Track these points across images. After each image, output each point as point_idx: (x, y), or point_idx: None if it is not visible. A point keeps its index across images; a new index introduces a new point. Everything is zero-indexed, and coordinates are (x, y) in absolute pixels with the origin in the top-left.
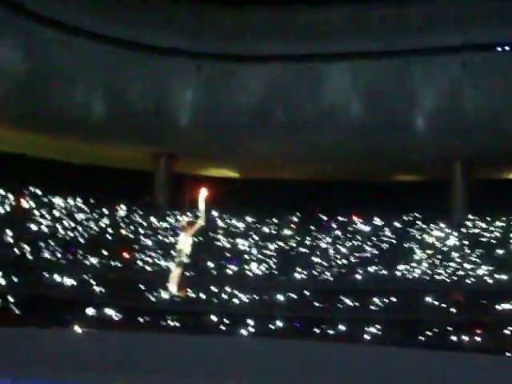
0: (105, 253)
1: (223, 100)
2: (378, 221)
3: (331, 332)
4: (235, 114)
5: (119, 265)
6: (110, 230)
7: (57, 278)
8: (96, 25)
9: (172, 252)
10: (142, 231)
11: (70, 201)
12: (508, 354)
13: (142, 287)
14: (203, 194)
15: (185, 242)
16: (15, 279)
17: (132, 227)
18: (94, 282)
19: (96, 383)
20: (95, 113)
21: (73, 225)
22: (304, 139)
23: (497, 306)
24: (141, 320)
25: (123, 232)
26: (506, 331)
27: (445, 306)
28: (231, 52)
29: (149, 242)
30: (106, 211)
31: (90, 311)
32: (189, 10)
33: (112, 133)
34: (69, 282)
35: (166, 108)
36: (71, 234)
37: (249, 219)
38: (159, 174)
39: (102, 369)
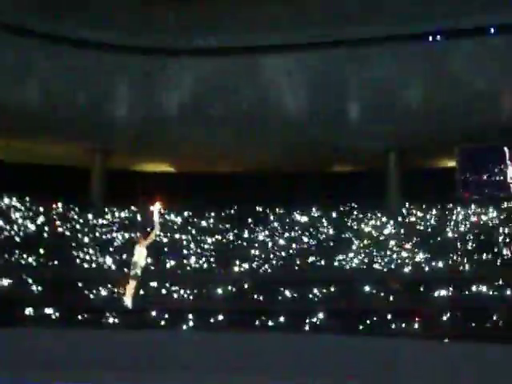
0: (41, 251)
1: (157, 94)
2: (315, 212)
3: (271, 324)
4: (170, 109)
5: (56, 263)
6: (46, 228)
7: None
8: (26, 21)
9: (110, 249)
10: (78, 228)
11: (5, 200)
12: (446, 340)
13: (80, 285)
14: (157, 206)
15: (139, 255)
16: None
17: (68, 225)
18: (31, 281)
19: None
20: (27, 109)
21: (8, 224)
22: (239, 132)
23: (434, 293)
24: (80, 318)
25: (60, 230)
26: (444, 318)
27: (383, 294)
28: (164, 46)
29: (86, 240)
30: (41, 209)
31: (28, 311)
32: (121, 3)
33: (45, 129)
34: (5, 282)
35: (99, 103)
36: (6, 234)
37: (186, 213)
38: (94, 170)
39: (48, 367)
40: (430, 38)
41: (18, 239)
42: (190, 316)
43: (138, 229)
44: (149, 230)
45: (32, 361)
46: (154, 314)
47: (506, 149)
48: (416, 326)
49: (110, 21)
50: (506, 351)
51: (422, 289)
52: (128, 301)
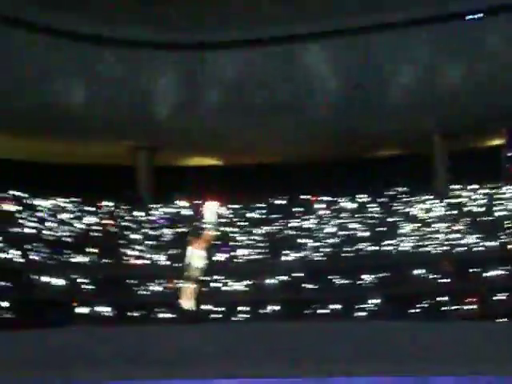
0: (92, 250)
1: (199, 88)
2: (362, 198)
3: (323, 312)
4: (212, 102)
5: (107, 261)
6: (95, 227)
7: (45, 279)
8: (68, 23)
9: (158, 244)
10: (127, 226)
11: (53, 201)
12: (499, 320)
13: (132, 282)
14: (212, 205)
15: (193, 256)
16: (4, 284)
17: (117, 222)
18: (83, 281)
19: (106, 380)
20: (72, 111)
21: (57, 225)
22: (282, 122)
23: (486, 274)
24: (132, 314)
25: (109, 228)
26: (496, 298)
27: (435, 276)
28: (201, 40)
29: (135, 236)
30: (89, 209)
31: (82, 310)
32: (156, 1)
33: (90, 129)
34: (58, 282)
35: (143, 100)
36: (57, 235)
37: (234, 206)
38: (140, 167)
39: (109, 365)
40: (468, 17)
41: (68, 239)
42: (243, 308)
43: (192, 231)
44: (204, 230)
45: (84, 360)
46: (207, 307)
47: None
48: (470, 307)
49: (149, 19)
50: None
51: (474, 269)
52: (184, 304)
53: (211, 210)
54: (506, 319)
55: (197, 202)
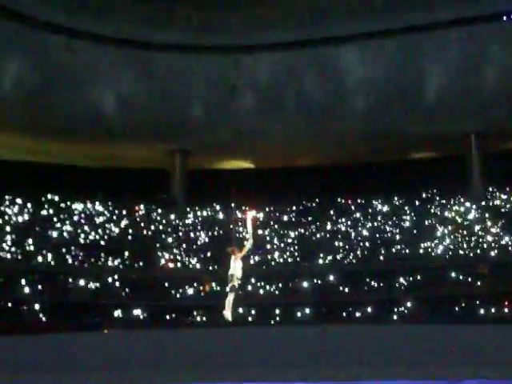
0: (127, 254)
1: (233, 91)
2: (397, 200)
3: (359, 315)
4: (246, 105)
5: (142, 264)
6: (130, 230)
7: (81, 282)
8: (101, 27)
9: (194, 248)
10: (162, 229)
11: (89, 205)
12: None
13: (166, 285)
14: (250, 216)
15: (235, 267)
16: (40, 286)
17: (152, 226)
18: (118, 284)
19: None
20: (105, 115)
21: (92, 228)
22: (316, 124)
23: None
24: (167, 317)
25: (144, 232)
26: None
27: (470, 279)
28: (236, 43)
29: (170, 240)
30: (124, 212)
31: (117, 313)
32: (191, 5)
33: (126, 134)
34: (93, 285)
35: (177, 104)
36: (92, 238)
37: (267, 209)
38: (175, 170)
39: (142, 368)
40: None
41: (102, 243)
42: (277, 311)
43: (233, 241)
44: (244, 240)
45: (121, 362)
46: (241, 310)
47: None
48: (506, 310)
49: (185, 23)
50: None
51: (510, 272)
52: (228, 314)
53: (251, 219)
54: None
55: (234, 208)
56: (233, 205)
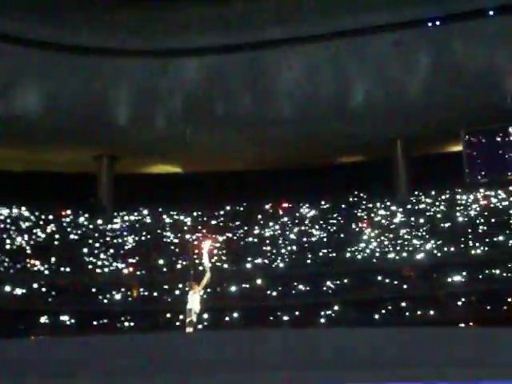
0: (53, 259)
1: (160, 97)
2: (324, 204)
3: (286, 318)
4: (172, 110)
5: (69, 270)
6: (56, 235)
7: (7, 288)
8: (25, 29)
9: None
10: (89, 234)
11: (14, 210)
12: (462, 325)
13: (94, 290)
14: (207, 245)
15: (193, 301)
16: None
17: (79, 231)
18: (44, 290)
19: None
20: (32, 119)
21: (18, 234)
22: (244, 129)
23: (448, 279)
24: (95, 323)
25: (71, 236)
26: (459, 303)
27: (397, 282)
28: (163, 47)
29: (97, 245)
30: (51, 217)
31: (44, 319)
32: (118, 9)
33: (51, 138)
34: (19, 291)
35: (103, 108)
36: (17, 243)
37: (195, 213)
38: (101, 175)
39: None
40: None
41: (28, 248)
42: (206, 316)
43: (190, 276)
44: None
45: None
46: (168, 315)
47: (510, 129)
48: (431, 312)
49: (112, 26)
50: None
51: (435, 275)
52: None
53: (205, 250)
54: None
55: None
56: (160, 209)
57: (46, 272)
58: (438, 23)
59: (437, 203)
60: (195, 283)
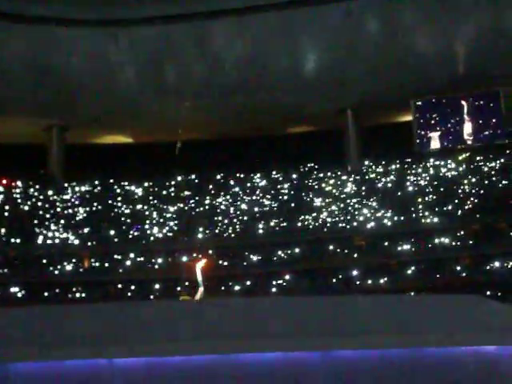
0: (3, 230)
1: (112, 66)
2: (275, 174)
3: (238, 288)
4: (123, 80)
5: (19, 241)
6: (7, 206)
7: None
8: None
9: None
10: (39, 205)
11: None
12: (411, 293)
13: (44, 261)
14: (200, 264)
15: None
16: None
17: (29, 202)
18: None
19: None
20: None
21: None
22: (195, 100)
23: (398, 248)
24: (46, 294)
25: (21, 207)
26: (409, 271)
27: (347, 251)
28: (114, 17)
29: (47, 216)
30: (1, 188)
31: None
32: None
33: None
34: None
35: (54, 78)
36: None
37: (146, 184)
38: (52, 146)
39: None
40: None
41: None
42: (157, 286)
43: (182, 289)
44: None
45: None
46: (119, 286)
47: (462, 101)
48: (382, 281)
49: None
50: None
51: (386, 244)
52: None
53: (198, 268)
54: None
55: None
56: (111, 180)
57: None
58: None
59: (387, 173)
60: (189, 299)
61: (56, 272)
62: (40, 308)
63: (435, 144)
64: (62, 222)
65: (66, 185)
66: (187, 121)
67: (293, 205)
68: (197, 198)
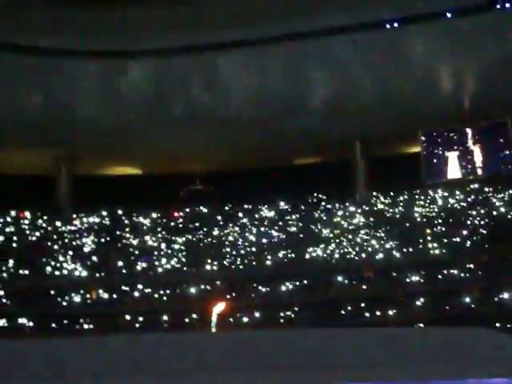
0: (12, 261)
1: (116, 97)
2: (283, 205)
3: (246, 320)
4: (131, 111)
5: (27, 272)
6: (15, 237)
7: None
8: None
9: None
10: (48, 236)
11: None
12: (420, 324)
13: (53, 292)
14: (219, 307)
15: None
16: None
17: (38, 233)
18: (2, 293)
19: None
20: None
21: None
22: (202, 131)
23: (407, 279)
24: (54, 326)
25: (29, 238)
26: (417, 303)
27: (356, 283)
28: (122, 49)
29: (55, 247)
30: (9, 219)
31: (2, 322)
32: (71, 9)
33: (8, 139)
34: None
35: (63, 110)
36: None
37: (154, 215)
38: (60, 176)
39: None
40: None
41: None
42: (165, 317)
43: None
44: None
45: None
46: (128, 317)
47: (471, 132)
48: (391, 312)
49: (62, 27)
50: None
51: (394, 275)
52: None
53: (215, 311)
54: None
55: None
56: (120, 211)
57: (4, 275)
58: (395, 25)
59: (395, 204)
60: None
61: (64, 303)
62: (42, 341)
63: (453, 174)
64: (70, 253)
65: (74, 216)
66: (194, 152)
67: (301, 236)
68: (205, 229)
